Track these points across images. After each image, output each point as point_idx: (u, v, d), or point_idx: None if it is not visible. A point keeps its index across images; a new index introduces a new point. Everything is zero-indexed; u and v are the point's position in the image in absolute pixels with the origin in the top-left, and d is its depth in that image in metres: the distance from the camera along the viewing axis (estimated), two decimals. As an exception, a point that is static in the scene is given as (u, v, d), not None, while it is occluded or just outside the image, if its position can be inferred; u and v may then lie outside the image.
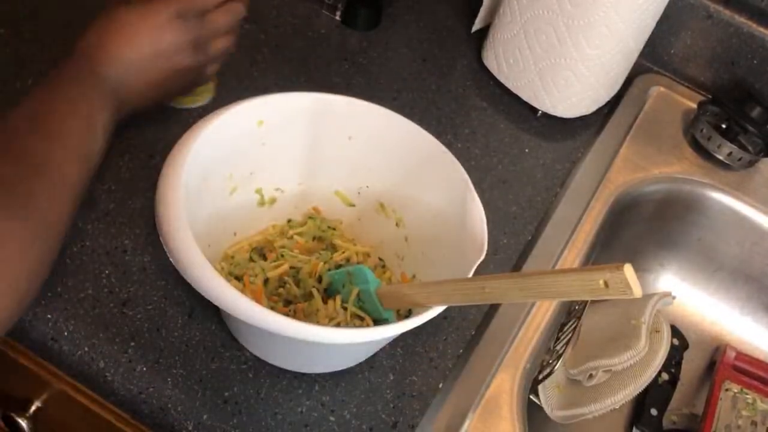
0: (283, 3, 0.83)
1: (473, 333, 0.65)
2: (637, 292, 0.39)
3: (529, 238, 0.72)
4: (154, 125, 0.70)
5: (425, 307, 0.53)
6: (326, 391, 0.59)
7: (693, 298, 0.89)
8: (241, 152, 0.61)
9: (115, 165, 0.67)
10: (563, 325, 0.74)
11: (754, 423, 0.81)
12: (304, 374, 0.59)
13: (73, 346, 0.58)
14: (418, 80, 0.81)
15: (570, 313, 0.75)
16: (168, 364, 0.57)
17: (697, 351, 0.86)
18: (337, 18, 0.84)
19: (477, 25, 0.86)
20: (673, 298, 0.78)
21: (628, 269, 0.39)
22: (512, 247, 0.71)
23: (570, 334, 0.73)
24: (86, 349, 0.57)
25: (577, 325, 0.74)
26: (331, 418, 0.58)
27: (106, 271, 0.61)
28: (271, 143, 0.62)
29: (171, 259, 0.51)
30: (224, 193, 0.61)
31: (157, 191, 0.53)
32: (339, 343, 0.53)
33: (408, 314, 0.58)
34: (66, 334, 0.58)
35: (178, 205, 0.52)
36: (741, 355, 0.85)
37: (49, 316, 0.58)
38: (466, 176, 0.59)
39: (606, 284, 0.40)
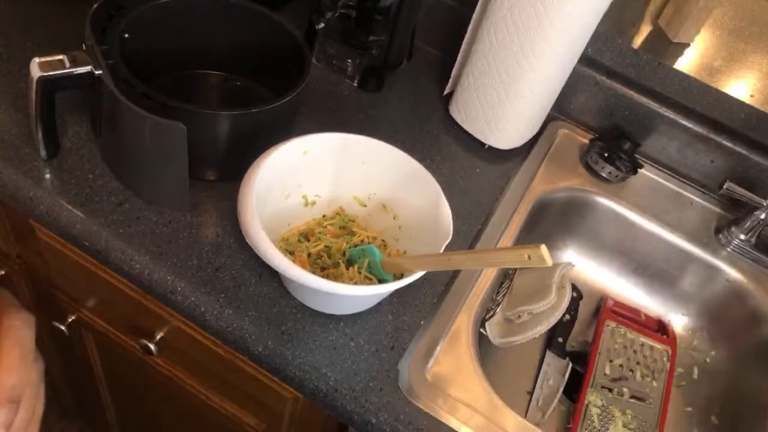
0: (320, 75, 0.83)
1: (443, 288, 0.65)
2: (549, 262, 0.40)
3: (479, 227, 0.72)
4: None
5: (413, 272, 0.54)
6: (348, 326, 0.59)
7: (586, 266, 0.89)
8: (292, 172, 0.61)
9: (208, 182, 0.66)
10: (501, 283, 0.74)
11: (625, 347, 0.81)
12: (333, 315, 0.59)
13: (184, 297, 0.57)
14: (407, 125, 0.81)
15: (506, 276, 0.75)
16: (246, 309, 0.57)
17: (588, 300, 0.86)
18: (355, 85, 0.83)
19: (447, 89, 0.86)
20: (573, 266, 0.78)
21: (544, 248, 0.40)
22: (468, 234, 0.71)
23: (506, 290, 0.73)
24: (192, 299, 0.57)
25: (510, 283, 0.74)
26: (351, 343, 0.58)
27: (206, 249, 0.60)
28: (312, 166, 0.62)
29: (247, 241, 0.51)
30: (281, 198, 0.61)
31: (238, 199, 0.54)
32: (356, 295, 0.53)
33: (401, 276, 0.58)
34: (179, 288, 0.57)
35: (251, 207, 0.52)
36: (617, 303, 0.85)
37: (168, 277, 0.58)
38: (438, 187, 0.59)
39: (529, 257, 0.41)
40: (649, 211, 0.82)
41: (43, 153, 0.60)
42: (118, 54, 0.57)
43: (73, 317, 0.79)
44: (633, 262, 0.86)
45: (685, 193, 0.85)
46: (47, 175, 0.61)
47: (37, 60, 0.54)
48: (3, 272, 0.81)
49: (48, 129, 0.58)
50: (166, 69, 0.69)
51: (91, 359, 0.90)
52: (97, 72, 0.55)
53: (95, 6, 0.59)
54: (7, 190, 0.61)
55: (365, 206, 0.65)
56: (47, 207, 0.60)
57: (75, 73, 0.55)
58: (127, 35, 0.60)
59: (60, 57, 0.55)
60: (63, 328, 0.78)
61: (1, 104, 0.65)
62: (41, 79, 0.54)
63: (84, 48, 0.57)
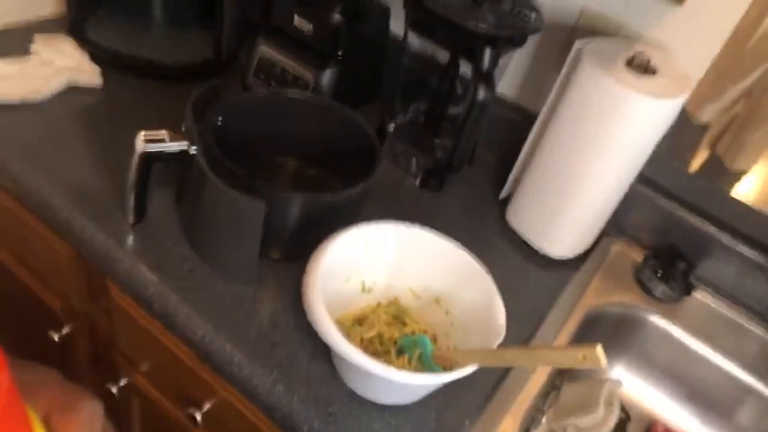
0: (386, 170, 0.87)
1: (490, 391, 0.65)
2: (604, 363, 0.40)
3: (530, 333, 0.72)
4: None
5: (464, 366, 0.54)
6: (393, 416, 0.59)
7: (635, 385, 0.87)
8: (354, 257, 0.63)
9: (273, 260, 0.69)
10: (549, 393, 0.73)
11: (676, 476, 0.77)
12: (380, 404, 0.60)
13: (240, 368, 0.59)
14: (463, 224, 0.84)
15: (554, 386, 0.75)
16: (296, 386, 0.59)
17: (636, 423, 0.83)
18: (417, 183, 0.88)
19: (503, 194, 0.89)
20: (622, 384, 0.77)
21: (599, 348, 0.41)
22: (518, 338, 0.71)
23: (553, 400, 0.72)
24: (247, 371, 0.59)
25: (558, 393, 0.73)
26: (395, 434, 0.58)
27: (265, 323, 0.63)
28: (372, 253, 0.65)
29: (310, 320, 0.53)
30: (342, 281, 0.64)
31: (304, 277, 0.57)
32: (406, 382, 0.54)
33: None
34: (236, 359, 0.60)
35: (316, 287, 0.55)
36: (667, 429, 0.82)
37: (227, 346, 0.60)
38: (494, 286, 0.61)
39: (584, 357, 0.41)
40: (703, 336, 0.81)
41: (130, 218, 0.66)
42: (212, 135, 0.64)
43: (125, 380, 0.81)
44: (686, 388, 0.84)
45: (743, 321, 0.84)
46: (130, 239, 0.66)
47: (142, 134, 0.61)
48: (69, 328, 0.85)
49: (140, 197, 0.64)
50: (250, 152, 0.75)
51: (133, 427, 0.91)
52: (192, 149, 0.62)
53: (198, 92, 0.67)
54: (94, 249, 0.66)
55: (419, 298, 0.67)
56: (127, 268, 0.64)
57: (173, 148, 0.61)
58: (220, 119, 0.67)
59: (162, 133, 0.61)
60: (114, 390, 0.81)
61: (101, 171, 0.73)
62: (144, 152, 0.60)
63: (183, 127, 0.64)
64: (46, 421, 0.33)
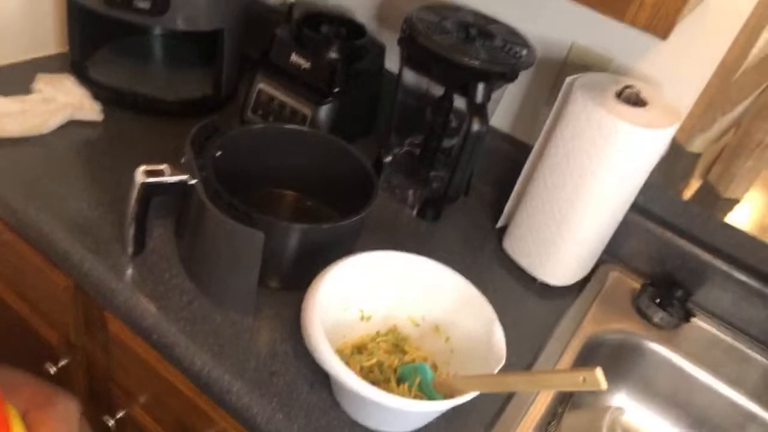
0: (383, 202, 0.89)
1: (490, 420, 0.64)
2: (604, 385, 0.41)
3: (529, 361, 0.72)
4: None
5: (465, 393, 0.54)
6: (393, 446, 0.59)
7: (637, 412, 0.86)
8: (352, 286, 0.64)
9: (271, 290, 0.70)
10: (550, 422, 0.73)
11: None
12: (380, 432, 0.60)
13: (238, 397, 0.59)
14: (461, 254, 0.85)
15: (555, 415, 0.74)
16: (296, 416, 0.59)
17: (640, 453, 0.83)
18: (414, 213, 0.89)
19: (500, 224, 0.90)
20: (624, 411, 0.76)
21: (599, 371, 0.41)
22: (518, 366, 0.71)
23: (555, 428, 0.72)
24: (246, 400, 0.59)
25: (559, 423, 0.73)
26: (396, 464, 0.58)
27: (263, 353, 0.63)
28: (371, 282, 0.65)
29: (309, 349, 0.54)
30: (340, 310, 0.64)
31: (303, 307, 0.57)
32: (407, 410, 0.54)
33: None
34: (235, 389, 0.59)
35: (316, 316, 0.56)
36: (671, 459, 0.81)
37: (225, 376, 0.60)
38: (493, 313, 0.62)
39: (584, 380, 0.42)
40: (704, 363, 0.81)
41: (129, 250, 0.67)
42: (211, 168, 0.65)
43: (122, 413, 0.81)
44: (688, 416, 0.83)
45: (743, 347, 0.84)
46: (129, 271, 0.67)
47: (142, 167, 0.62)
48: (66, 361, 0.85)
49: (139, 229, 0.65)
50: (249, 185, 0.77)
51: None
52: (191, 182, 0.63)
53: (197, 127, 0.68)
54: (92, 281, 0.66)
55: (418, 326, 0.67)
56: (125, 299, 0.65)
57: (173, 180, 0.62)
58: (219, 153, 0.69)
59: (162, 166, 0.63)
60: (111, 423, 0.80)
61: (101, 203, 0.74)
62: (144, 184, 0.61)
63: (182, 161, 0.65)
64: (24, 417, 0.34)
